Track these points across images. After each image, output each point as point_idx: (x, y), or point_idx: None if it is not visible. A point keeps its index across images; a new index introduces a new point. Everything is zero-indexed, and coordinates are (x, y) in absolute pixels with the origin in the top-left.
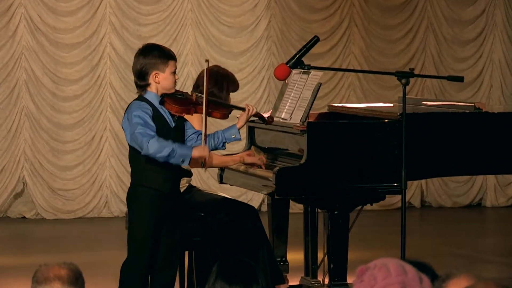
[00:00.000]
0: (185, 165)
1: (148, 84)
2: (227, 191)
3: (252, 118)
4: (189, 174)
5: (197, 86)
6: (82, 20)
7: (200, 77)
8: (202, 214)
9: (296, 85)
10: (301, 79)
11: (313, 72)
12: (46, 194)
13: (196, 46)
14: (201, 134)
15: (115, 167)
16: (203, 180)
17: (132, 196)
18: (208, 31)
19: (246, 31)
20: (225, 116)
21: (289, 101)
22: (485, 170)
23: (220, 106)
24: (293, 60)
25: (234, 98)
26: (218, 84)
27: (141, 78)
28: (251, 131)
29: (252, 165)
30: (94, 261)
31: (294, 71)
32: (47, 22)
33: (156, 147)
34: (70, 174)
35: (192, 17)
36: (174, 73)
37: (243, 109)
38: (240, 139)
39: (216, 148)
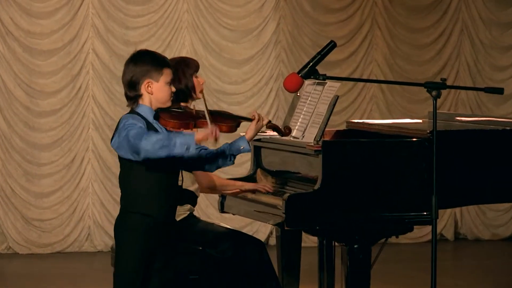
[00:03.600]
0: (190, 153)
1: (140, 95)
2: (230, 222)
3: (263, 130)
4: (193, 202)
5: None
6: (60, 22)
7: None
8: (200, 248)
9: (309, 98)
10: (315, 91)
11: (329, 83)
12: (19, 225)
13: (193, 53)
14: (204, 149)
15: (99, 193)
16: (201, 209)
17: (121, 224)
18: (206, 35)
19: (251, 35)
20: (232, 129)
21: (301, 116)
22: None
23: (225, 119)
24: (306, 69)
25: (239, 112)
26: (173, 76)
27: (132, 88)
28: (257, 152)
29: (252, 191)
30: None
31: (307, 82)
32: (20, 25)
33: (153, 140)
34: (46, 201)
35: (188, 19)
36: (170, 83)
37: (251, 120)
38: (249, 151)
39: (224, 165)
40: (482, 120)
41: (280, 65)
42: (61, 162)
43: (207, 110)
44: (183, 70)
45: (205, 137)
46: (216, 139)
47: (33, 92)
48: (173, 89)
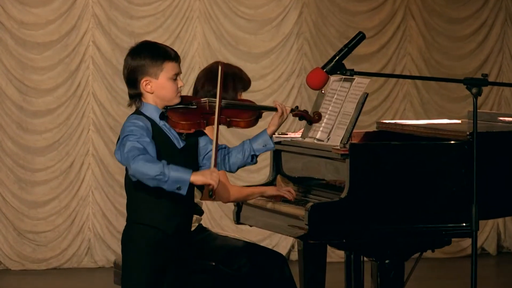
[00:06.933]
0: (183, 193)
1: (141, 94)
2: (246, 234)
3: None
4: (199, 212)
5: (195, 92)
6: (57, 12)
7: (198, 79)
8: (214, 264)
9: (335, 96)
10: (342, 88)
11: (357, 79)
12: (11, 238)
13: (206, 46)
14: (223, 149)
15: (100, 203)
16: (215, 219)
17: (127, 237)
18: (220, 25)
19: (270, 25)
20: (251, 123)
21: (327, 116)
22: None
23: (242, 111)
24: (332, 64)
25: None
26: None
27: (131, 86)
28: (277, 156)
29: (275, 198)
30: None
31: (332, 78)
32: (12, 15)
33: (146, 167)
34: (41, 212)
35: (200, 8)
36: (175, 78)
37: (274, 110)
38: (273, 148)
39: (244, 165)
40: None
41: (303, 59)
42: (58, 167)
43: (216, 136)
44: (234, 82)
45: (202, 183)
46: (213, 192)
47: (27, 90)
48: (181, 83)
